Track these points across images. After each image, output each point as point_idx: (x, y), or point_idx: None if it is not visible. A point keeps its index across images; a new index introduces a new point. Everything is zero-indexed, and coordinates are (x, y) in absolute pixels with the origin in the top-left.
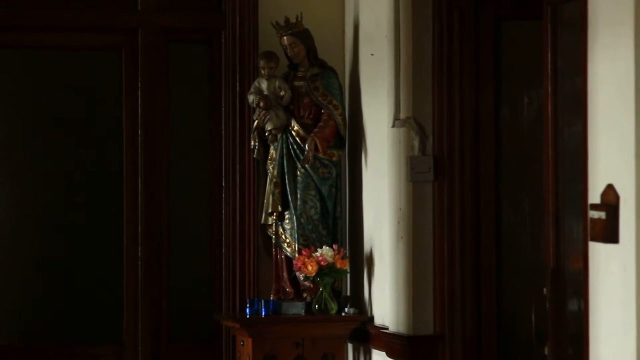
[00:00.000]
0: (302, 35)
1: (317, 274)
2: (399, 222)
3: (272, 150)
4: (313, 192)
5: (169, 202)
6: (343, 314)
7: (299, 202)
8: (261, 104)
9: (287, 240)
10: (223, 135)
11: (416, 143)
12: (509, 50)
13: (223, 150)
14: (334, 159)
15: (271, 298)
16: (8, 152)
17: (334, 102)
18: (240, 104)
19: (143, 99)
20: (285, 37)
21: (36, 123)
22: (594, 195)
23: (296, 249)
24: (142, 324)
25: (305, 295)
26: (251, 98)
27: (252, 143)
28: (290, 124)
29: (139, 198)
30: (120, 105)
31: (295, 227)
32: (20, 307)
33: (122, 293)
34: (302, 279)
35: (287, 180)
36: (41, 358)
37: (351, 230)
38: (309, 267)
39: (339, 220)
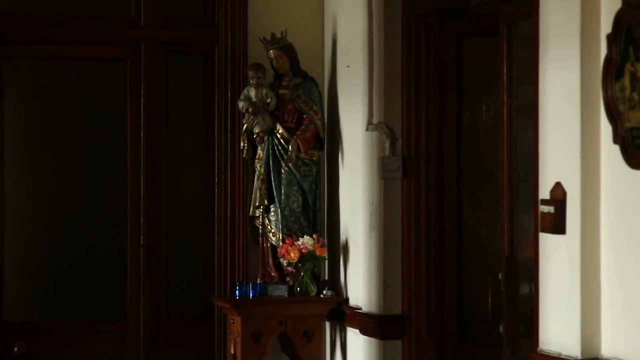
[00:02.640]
0: (287, 49)
1: (299, 261)
2: (371, 215)
3: (259, 151)
4: (295, 188)
5: (167, 196)
6: (322, 295)
7: (283, 197)
8: (250, 110)
9: (273, 231)
10: (216, 137)
11: (387, 145)
12: (469, 63)
13: (216, 151)
14: (314, 158)
15: (258, 281)
16: (27, 151)
17: (315, 108)
18: (231, 110)
19: (145, 104)
20: (271, 51)
21: (51, 124)
22: (544, 192)
23: (280, 238)
24: (144, 305)
25: (288, 279)
26: (241, 104)
27: (242, 144)
28: (276, 127)
29: (141, 193)
30: (125, 109)
31: (280, 219)
32: (37, 289)
33: (126, 277)
34: (285, 264)
35: (272, 178)
36: (55, 333)
37: (329, 222)
38: (292, 254)
39: (319, 212)
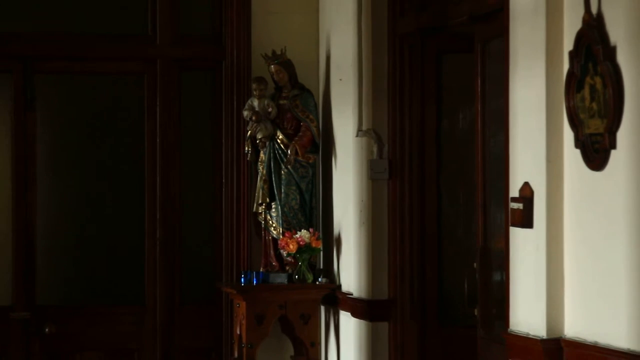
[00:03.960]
0: (286, 64)
1: (297, 251)
2: (361, 211)
3: (262, 154)
4: (294, 187)
5: (180, 195)
6: (317, 282)
7: (283, 195)
8: (253, 118)
9: (274, 225)
10: (223, 142)
11: (375, 149)
12: (447, 77)
13: (223, 154)
14: (311, 161)
15: (261, 270)
16: (55, 153)
17: (311, 116)
18: (237, 118)
19: (161, 113)
20: (272, 66)
21: (77, 130)
22: (514, 190)
23: (280, 231)
24: (160, 290)
25: (287, 268)
26: (245, 113)
27: (246, 148)
28: (276, 133)
29: (157, 191)
30: (143, 117)
31: (280, 215)
32: (65, 277)
33: (144, 265)
34: (285, 255)
35: (273, 178)
36: (81, 315)
37: (324, 217)
38: (291, 246)
39: (314, 209)
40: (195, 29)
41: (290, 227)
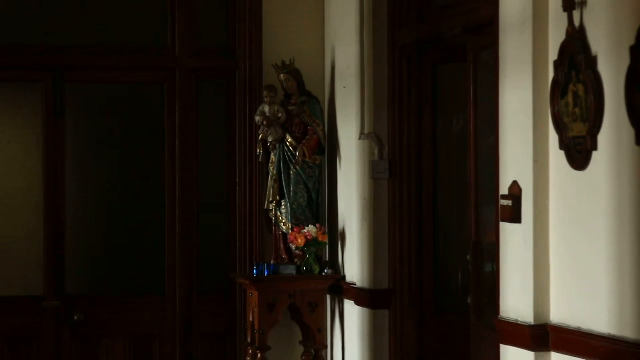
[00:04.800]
0: (294, 73)
1: (305, 245)
2: (363, 208)
3: (272, 156)
4: (302, 186)
5: (198, 193)
6: (323, 274)
7: (292, 194)
8: (265, 123)
9: (283, 221)
10: (237, 145)
11: (376, 151)
12: (442, 85)
13: (237, 156)
14: (317, 162)
15: (272, 262)
16: (83, 156)
17: (317, 121)
18: (249, 123)
19: (180, 119)
20: (282, 75)
21: (103, 134)
22: (504, 189)
23: (290, 227)
24: (179, 281)
25: (296, 260)
26: (257, 118)
27: (258, 151)
28: (286, 137)
29: (176, 190)
30: (163, 122)
31: (289, 211)
32: (90, 268)
33: (165, 258)
34: (294, 248)
35: (283, 178)
36: (107, 304)
37: (329, 214)
38: (299, 240)
39: (321, 206)
40: (211, 41)
41: (298, 222)
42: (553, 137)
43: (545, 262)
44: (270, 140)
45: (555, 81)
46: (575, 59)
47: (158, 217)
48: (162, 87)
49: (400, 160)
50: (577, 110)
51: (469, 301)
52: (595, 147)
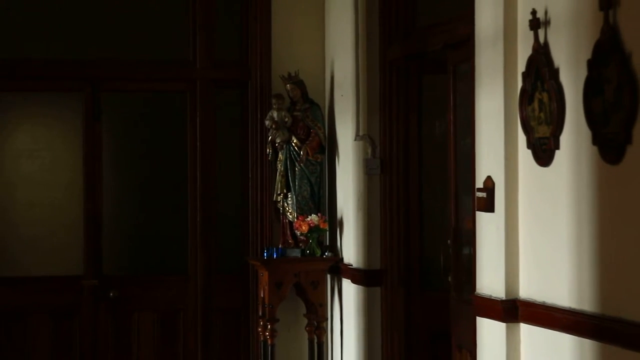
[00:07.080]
0: (299, 83)
1: (308, 232)
2: (358, 200)
3: (280, 155)
4: (305, 181)
5: (217, 187)
6: (324, 256)
7: (297, 187)
8: (273, 126)
9: (290, 211)
10: (250, 145)
11: (369, 150)
12: (427, 93)
13: (250, 155)
14: (319, 160)
15: (280, 246)
16: (118, 154)
17: (318, 125)
18: (260, 126)
19: (200, 124)
20: (288, 85)
21: (134, 137)
22: (479, 182)
23: (295, 216)
24: (200, 262)
25: (301, 244)
26: (267, 122)
27: (268, 150)
28: (291, 138)
29: (197, 184)
30: (186, 129)
31: (295, 203)
32: (124, 251)
33: (188, 243)
34: (299, 234)
35: (289, 174)
36: (138, 282)
37: (329, 205)
38: (303, 227)
39: (322, 198)
40: (227, 55)
41: (303, 212)
42: (521, 138)
43: (515, 246)
44: (278, 141)
45: (523, 90)
46: (540, 70)
47: (182, 207)
48: (185, 96)
49: (390, 158)
50: (542, 114)
51: (449, 279)
52: (557, 147)
